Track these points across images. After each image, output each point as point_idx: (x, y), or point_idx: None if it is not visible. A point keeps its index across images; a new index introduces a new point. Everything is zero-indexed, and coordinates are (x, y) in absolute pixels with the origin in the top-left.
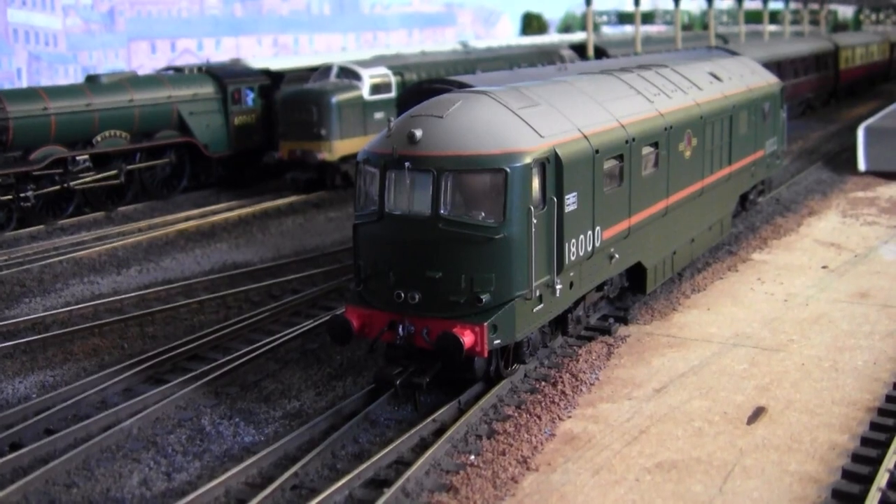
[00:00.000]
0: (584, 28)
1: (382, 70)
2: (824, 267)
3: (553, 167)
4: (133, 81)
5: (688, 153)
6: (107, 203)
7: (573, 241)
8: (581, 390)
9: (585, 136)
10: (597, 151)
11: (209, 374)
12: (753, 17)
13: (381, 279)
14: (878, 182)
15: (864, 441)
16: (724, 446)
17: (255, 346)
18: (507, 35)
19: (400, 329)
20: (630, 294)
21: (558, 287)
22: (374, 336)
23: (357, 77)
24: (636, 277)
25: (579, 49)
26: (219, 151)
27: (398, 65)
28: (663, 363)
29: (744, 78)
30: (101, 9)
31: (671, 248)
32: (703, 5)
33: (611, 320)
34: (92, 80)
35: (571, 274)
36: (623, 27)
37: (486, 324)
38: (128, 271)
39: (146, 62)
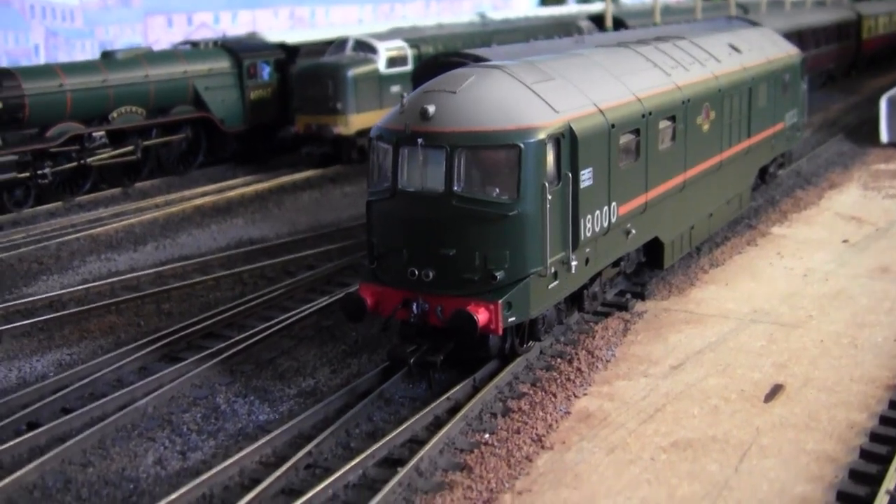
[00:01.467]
0: None
1: (398, 43)
2: (844, 241)
3: (568, 142)
4: (148, 57)
5: (706, 127)
6: (123, 179)
7: (589, 217)
8: (597, 367)
9: (601, 111)
10: (612, 126)
11: (224, 352)
12: None
13: (394, 256)
14: None
15: (883, 420)
16: (740, 425)
17: (270, 323)
18: (526, 6)
19: (414, 307)
20: (647, 269)
21: (573, 264)
22: (387, 314)
23: (373, 50)
24: (653, 252)
25: (598, 20)
26: (234, 126)
27: (414, 37)
28: (680, 340)
29: (764, 49)
30: None
31: (689, 222)
32: None
33: (628, 296)
34: (107, 57)
35: (587, 250)
36: None
37: (500, 301)
38: (144, 248)
39: (163, 37)
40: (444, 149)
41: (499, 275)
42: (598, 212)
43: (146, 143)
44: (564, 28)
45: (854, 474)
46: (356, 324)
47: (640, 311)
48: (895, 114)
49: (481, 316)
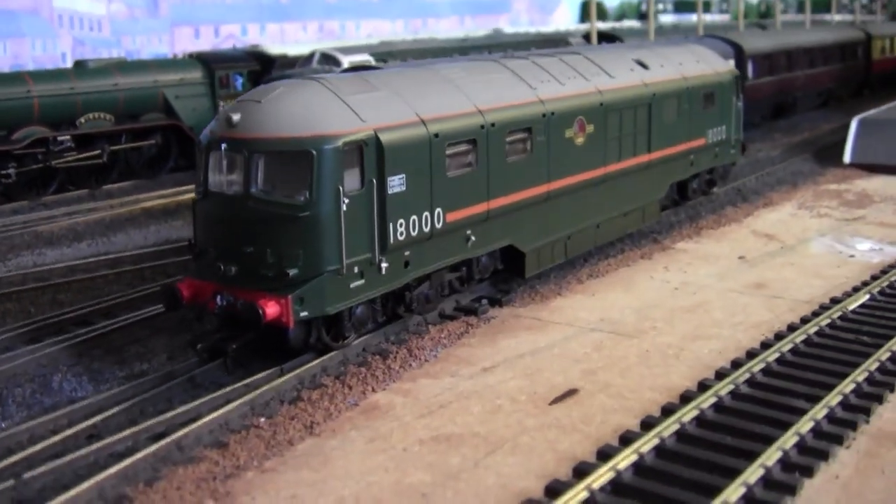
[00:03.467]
0: (639, 16)
1: (364, 56)
2: (741, 257)
3: (373, 150)
4: (120, 66)
5: (580, 140)
6: (91, 181)
7: (401, 221)
8: (410, 366)
9: (423, 121)
10: (436, 136)
11: (83, 336)
12: (824, 5)
13: (207, 252)
14: (859, 175)
15: (643, 425)
16: (510, 424)
17: (140, 312)
18: (566, 22)
19: (218, 299)
20: (518, 276)
21: (384, 265)
22: (201, 305)
23: (337, 63)
24: (518, 260)
25: (609, 38)
26: None
27: (383, 51)
28: (510, 344)
29: (683, 66)
30: None
31: (562, 232)
32: None
33: (483, 301)
34: (79, 66)
35: (407, 253)
36: (680, 15)
37: (290, 296)
38: (79, 245)
39: (189, 47)
40: (244, 153)
41: (292, 272)
42: (414, 217)
43: (114, 147)
44: (552, 44)
45: (576, 471)
46: (173, 313)
47: (490, 316)
48: (865, 135)
49: (271, 309)
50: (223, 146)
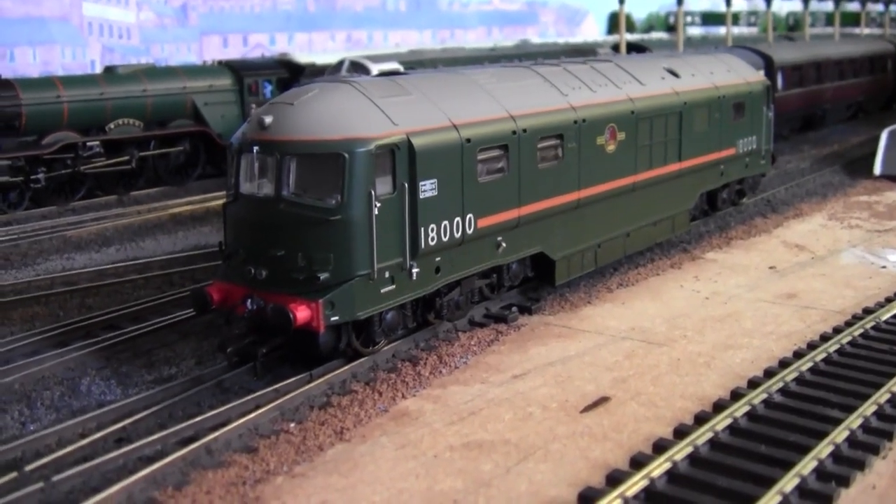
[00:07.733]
0: (667, 28)
1: (393, 65)
2: (771, 268)
3: (405, 154)
4: (149, 73)
5: (611, 147)
6: (119, 187)
7: (432, 226)
8: (441, 372)
9: (455, 126)
10: (468, 141)
11: (111, 340)
12: (853, 19)
13: (237, 256)
14: (890, 187)
15: (676, 433)
16: (541, 431)
17: (167, 317)
18: (593, 34)
19: (248, 303)
20: (548, 284)
21: (415, 270)
22: (230, 309)
23: (366, 71)
24: (547, 268)
25: (638, 49)
26: None
27: (412, 60)
28: (540, 352)
29: (714, 75)
30: (174, 4)
31: (592, 240)
32: (800, 6)
33: (514, 309)
34: (109, 71)
35: (438, 259)
36: (708, 27)
37: (321, 300)
38: (108, 249)
39: (218, 56)
40: (275, 156)
41: (322, 276)
42: (445, 222)
43: (143, 153)
44: (581, 54)
45: (609, 479)
46: (203, 316)
47: (520, 324)
48: (894, 145)
49: (302, 313)
50: (255, 149)
